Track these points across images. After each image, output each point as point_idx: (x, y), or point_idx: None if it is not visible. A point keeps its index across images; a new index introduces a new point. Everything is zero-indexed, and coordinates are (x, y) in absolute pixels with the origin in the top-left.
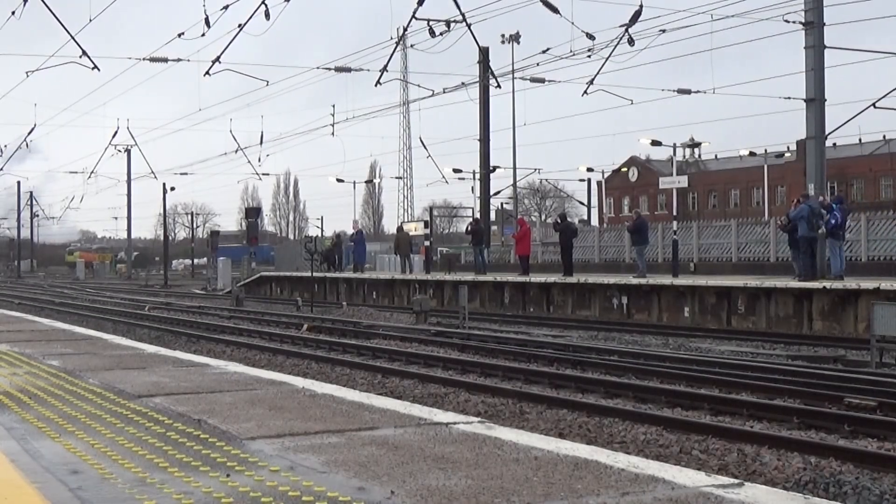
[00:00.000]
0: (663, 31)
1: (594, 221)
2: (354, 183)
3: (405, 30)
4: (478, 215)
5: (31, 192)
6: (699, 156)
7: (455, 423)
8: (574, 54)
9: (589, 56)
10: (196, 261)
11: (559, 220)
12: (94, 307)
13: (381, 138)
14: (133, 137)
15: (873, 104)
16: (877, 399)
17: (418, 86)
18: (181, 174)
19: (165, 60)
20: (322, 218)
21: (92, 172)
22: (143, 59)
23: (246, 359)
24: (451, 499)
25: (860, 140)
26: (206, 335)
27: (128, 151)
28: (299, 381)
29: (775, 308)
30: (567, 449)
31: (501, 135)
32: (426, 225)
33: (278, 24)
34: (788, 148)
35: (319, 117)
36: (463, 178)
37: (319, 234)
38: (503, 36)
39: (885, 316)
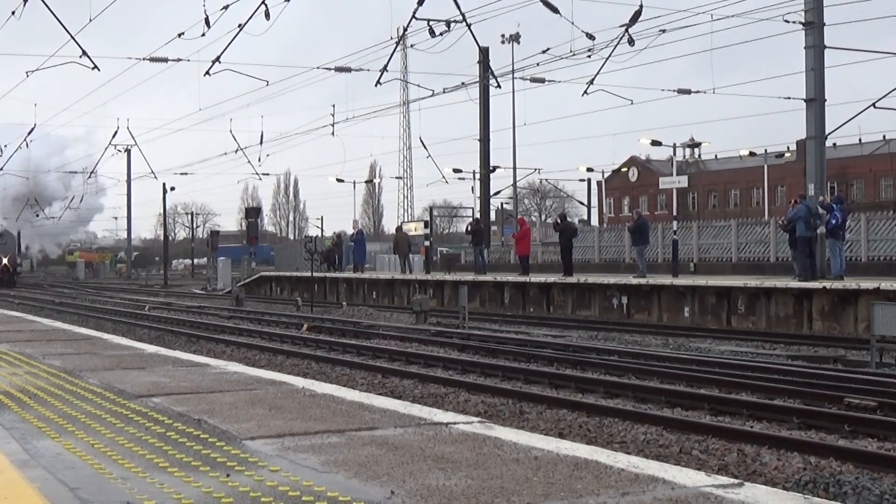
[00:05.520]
0: (663, 31)
1: (594, 221)
2: (354, 183)
3: (405, 30)
4: (478, 215)
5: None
6: (699, 156)
7: (455, 423)
8: (574, 54)
9: (589, 56)
10: (196, 261)
11: (559, 220)
12: (94, 307)
13: (381, 138)
14: (133, 137)
15: (873, 104)
16: (877, 399)
17: (418, 86)
18: (181, 174)
19: (165, 60)
20: (322, 218)
21: (92, 172)
22: (143, 59)
23: (246, 359)
24: (451, 499)
25: (860, 140)
26: (206, 335)
27: (128, 151)
28: (299, 381)
29: (775, 308)
30: (567, 449)
31: (501, 135)
32: (426, 225)
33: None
34: (788, 148)
35: (320, 117)
36: (463, 178)
37: (319, 234)
38: (503, 36)
39: (885, 316)
